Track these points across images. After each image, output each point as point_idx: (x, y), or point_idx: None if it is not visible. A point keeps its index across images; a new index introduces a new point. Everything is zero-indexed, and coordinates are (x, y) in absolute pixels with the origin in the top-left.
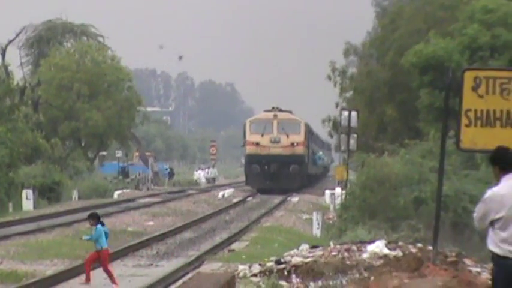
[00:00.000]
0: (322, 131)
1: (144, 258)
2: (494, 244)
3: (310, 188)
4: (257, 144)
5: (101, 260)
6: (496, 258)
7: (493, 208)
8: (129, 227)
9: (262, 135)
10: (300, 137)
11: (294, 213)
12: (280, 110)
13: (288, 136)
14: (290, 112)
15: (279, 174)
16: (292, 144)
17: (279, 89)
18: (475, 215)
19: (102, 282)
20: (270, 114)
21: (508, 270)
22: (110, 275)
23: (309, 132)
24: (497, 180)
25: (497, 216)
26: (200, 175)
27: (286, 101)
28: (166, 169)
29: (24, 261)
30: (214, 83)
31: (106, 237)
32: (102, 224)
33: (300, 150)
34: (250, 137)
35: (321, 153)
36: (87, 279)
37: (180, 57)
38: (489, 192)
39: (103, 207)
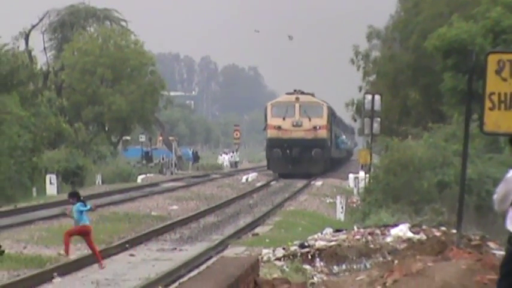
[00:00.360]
0: (346, 115)
1: (168, 242)
2: None
3: (334, 171)
4: (279, 127)
5: (85, 236)
6: None
7: None
8: (153, 212)
9: (284, 118)
10: (322, 120)
11: (317, 197)
12: (302, 93)
13: (310, 119)
14: (312, 95)
15: (301, 159)
16: (315, 127)
17: (301, 73)
18: (495, 196)
19: (122, 267)
20: (292, 97)
21: None
22: (95, 252)
23: (332, 115)
24: None
25: None
26: (225, 159)
27: (309, 85)
28: (193, 152)
29: (48, 246)
30: (237, 67)
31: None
32: (83, 202)
33: (322, 133)
34: (272, 121)
35: (344, 136)
36: (67, 251)
37: (290, 37)
38: (511, 172)
39: (127, 191)
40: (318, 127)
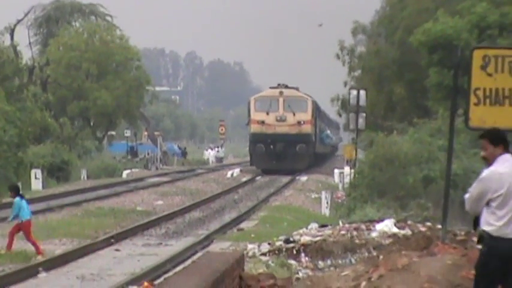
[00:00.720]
0: (331, 110)
1: (153, 237)
2: (488, 224)
3: (319, 167)
4: (262, 122)
5: (24, 232)
6: (488, 238)
7: (491, 187)
8: (138, 207)
9: (268, 113)
10: (307, 115)
11: (302, 192)
12: (286, 87)
13: (294, 114)
14: (297, 89)
15: (285, 154)
16: (299, 122)
17: (287, 69)
18: (468, 196)
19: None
20: (276, 91)
21: (501, 251)
22: (35, 246)
23: (317, 110)
24: (488, 158)
25: (496, 194)
26: (210, 154)
27: (295, 80)
28: (180, 148)
29: None
30: (222, 62)
31: (26, 209)
32: (22, 197)
33: (307, 128)
34: (255, 115)
35: (328, 131)
36: (9, 247)
37: (320, 25)
38: (487, 172)
39: (112, 186)
40: (302, 122)
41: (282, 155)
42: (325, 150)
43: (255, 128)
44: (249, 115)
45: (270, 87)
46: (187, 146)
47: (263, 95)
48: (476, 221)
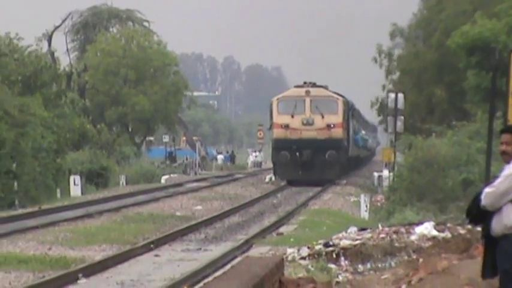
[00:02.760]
0: (370, 115)
1: (193, 242)
2: None
3: (357, 170)
4: (286, 126)
5: None
6: None
7: None
8: (177, 212)
9: (293, 116)
10: (337, 117)
11: (341, 195)
12: (314, 85)
13: (323, 116)
14: (326, 87)
15: (312, 163)
16: (329, 126)
17: (325, 73)
18: (491, 190)
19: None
20: (302, 91)
21: None
22: None
23: (349, 110)
24: (509, 153)
25: None
26: (249, 159)
27: (333, 84)
28: (227, 152)
29: (73, 247)
30: (260, 66)
31: None
32: None
33: (337, 133)
34: (278, 119)
35: (364, 132)
36: None
37: None
38: None
39: (151, 192)
40: (332, 125)
41: (309, 163)
42: (359, 153)
43: (278, 133)
44: (271, 118)
45: (295, 86)
46: (224, 151)
47: (287, 95)
48: (476, 217)
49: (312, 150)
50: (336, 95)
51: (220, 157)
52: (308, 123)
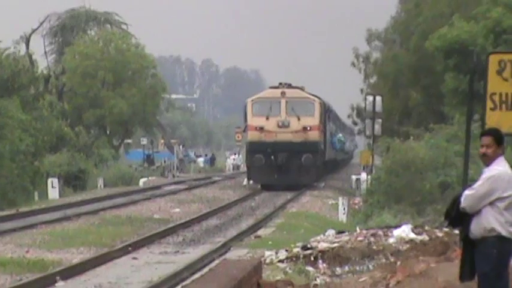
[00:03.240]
0: (348, 119)
1: (171, 245)
2: (500, 224)
3: (335, 173)
4: (261, 129)
5: None
6: (501, 239)
7: (500, 186)
8: (155, 215)
9: (267, 117)
10: (314, 120)
11: (319, 198)
12: (290, 86)
13: (299, 118)
14: (302, 89)
15: (288, 166)
16: (305, 128)
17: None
18: (471, 193)
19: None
20: (277, 92)
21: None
22: None
23: (326, 112)
24: (489, 156)
25: (504, 194)
26: (227, 162)
27: (311, 88)
28: (206, 155)
29: (51, 250)
30: (239, 69)
31: None
32: None
33: (314, 135)
34: (253, 121)
35: (341, 135)
36: None
37: None
38: (497, 171)
39: (129, 195)
40: (308, 128)
41: (285, 167)
42: (336, 156)
43: (252, 135)
44: (246, 120)
45: (270, 87)
46: (200, 153)
47: (262, 96)
48: (455, 220)
49: (287, 153)
50: (312, 97)
51: (200, 160)
52: (284, 125)
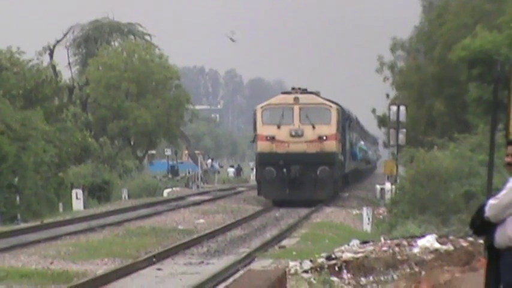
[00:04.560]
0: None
1: (195, 256)
2: None
3: (359, 183)
4: (272, 138)
5: None
6: None
7: None
8: (180, 225)
9: (279, 126)
10: (330, 128)
11: (344, 208)
12: (304, 91)
13: (314, 127)
14: (317, 94)
15: (302, 180)
16: (320, 138)
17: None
18: (495, 202)
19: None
20: (289, 98)
21: None
22: None
23: (346, 120)
24: (510, 167)
25: None
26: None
27: (335, 96)
28: (232, 166)
29: (75, 261)
30: (263, 80)
31: None
32: None
33: (330, 146)
34: (263, 130)
35: (363, 143)
36: None
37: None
38: None
39: (153, 205)
40: (324, 137)
41: (298, 181)
42: (359, 167)
43: (262, 146)
44: (255, 129)
45: (282, 93)
46: (228, 164)
47: (273, 102)
48: (480, 229)
49: (301, 165)
50: (329, 103)
51: (231, 170)
52: (297, 134)
